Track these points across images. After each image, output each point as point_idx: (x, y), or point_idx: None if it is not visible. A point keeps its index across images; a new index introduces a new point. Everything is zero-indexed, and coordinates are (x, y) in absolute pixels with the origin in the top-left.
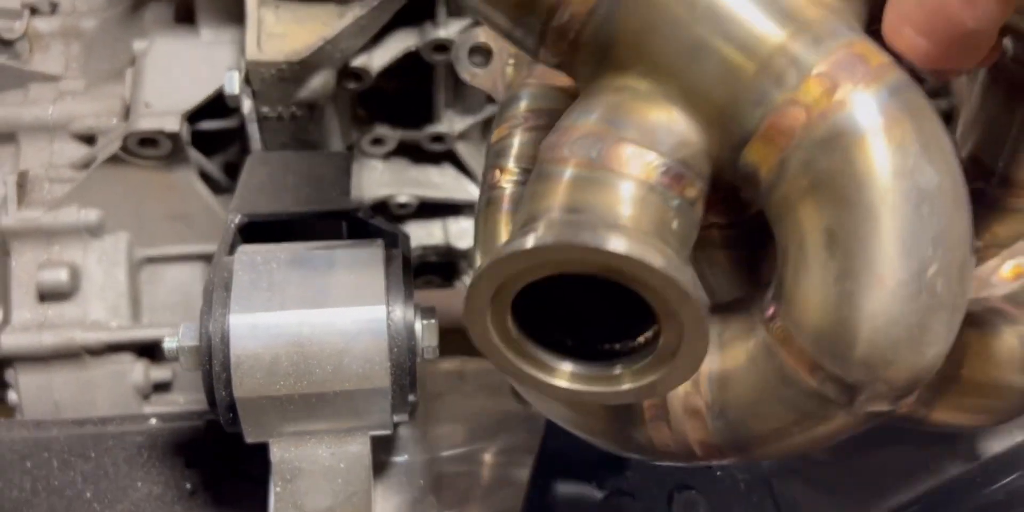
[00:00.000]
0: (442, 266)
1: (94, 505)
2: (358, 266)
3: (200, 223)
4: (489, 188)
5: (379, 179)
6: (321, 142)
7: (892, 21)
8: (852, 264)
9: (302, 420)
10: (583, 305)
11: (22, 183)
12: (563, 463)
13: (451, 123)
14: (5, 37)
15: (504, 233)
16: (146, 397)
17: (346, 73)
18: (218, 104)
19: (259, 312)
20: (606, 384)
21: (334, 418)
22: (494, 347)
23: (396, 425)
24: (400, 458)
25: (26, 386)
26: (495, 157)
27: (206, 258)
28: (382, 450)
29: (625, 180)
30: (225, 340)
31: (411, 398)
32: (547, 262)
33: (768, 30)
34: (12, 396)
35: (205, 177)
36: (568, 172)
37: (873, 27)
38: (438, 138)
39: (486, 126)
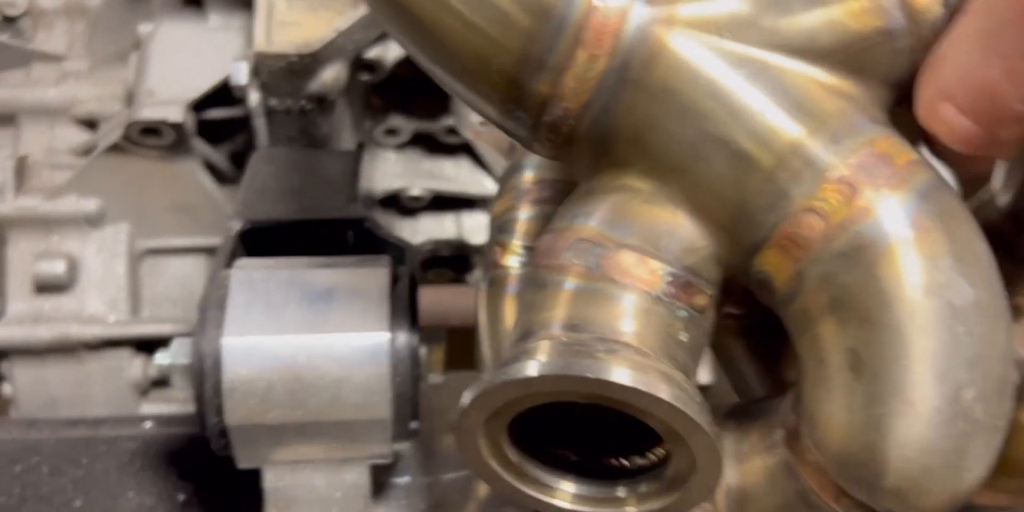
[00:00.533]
0: (455, 259)
1: None
2: (362, 288)
3: (204, 215)
4: (492, 266)
5: (392, 170)
6: (331, 136)
7: (929, 99)
8: (880, 388)
9: (297, 448)
10: (587, 417)
11: (21, 168)
12: None
13: (467, 116)
14: (7, 13)
15: (509, 318)
16: (144, 393)
17: (359, 65)
18: (225, 92)
19: (255, 335)
20: (610, 506)
21: (331, 447)
22: (491, 472)
23: (396, 453)
24: (401, 479)
25: (21, 380)
26: (498, 232)
27: (209, 251)
28: (383, 471)
29: (628, 292)
30: (217, 363)
31: (413, 426)
32: (544, 391)
33: (780, 127)
34: (7, 389)
35: (210, 167)
36: (566, 282)
37: (898, 108)
38: (453, 130)
39: None
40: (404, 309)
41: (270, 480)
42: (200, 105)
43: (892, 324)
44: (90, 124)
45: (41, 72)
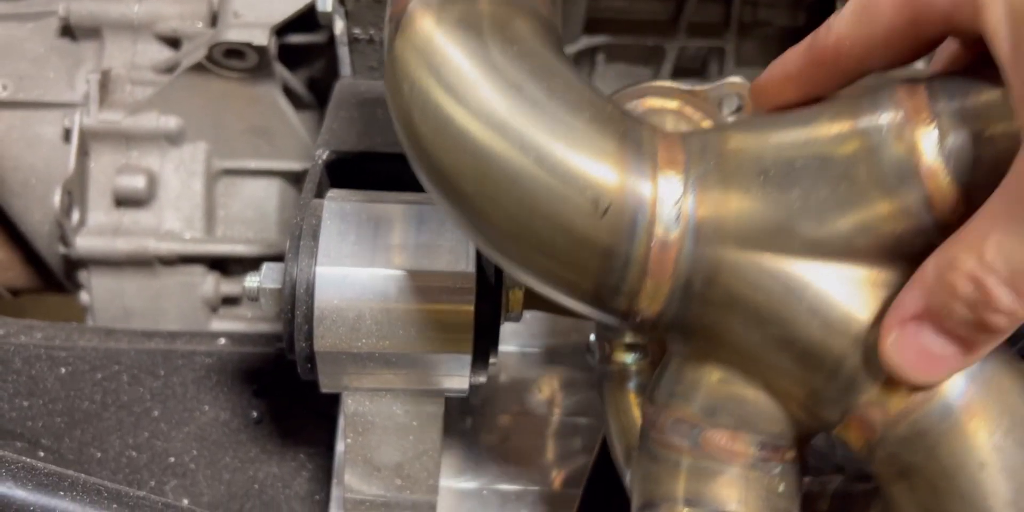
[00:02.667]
0: None
1: (161, 425)
2: (449, 225)
3: (279, 138)
4: (606, 360)
5: None
6: None
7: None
8: None
9: (379, 377)
10: None
11: (104, 82)
12: None
13: None
14: None
15: (633, 412)
16: (214, 310)
17: None
18: (308, 17)
19: (347, 266)
20: None
21: (412, 378)
22: None
23: (472, 387)
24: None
25: (98, 289)
26: (602, 328)
27: (284, 175)
28: (451, 405)
29: (727, 465)
30: (310, 291)
31: (492, 361)
32: None
33: (833, 333)
34: (85, 297)
35: (288, 92)
36: (674, 459)
37: None
38: None
39: None
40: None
41: (350, 405)
42: (282, 29)
43: (958, 492)
44: (172, 42)
45: None
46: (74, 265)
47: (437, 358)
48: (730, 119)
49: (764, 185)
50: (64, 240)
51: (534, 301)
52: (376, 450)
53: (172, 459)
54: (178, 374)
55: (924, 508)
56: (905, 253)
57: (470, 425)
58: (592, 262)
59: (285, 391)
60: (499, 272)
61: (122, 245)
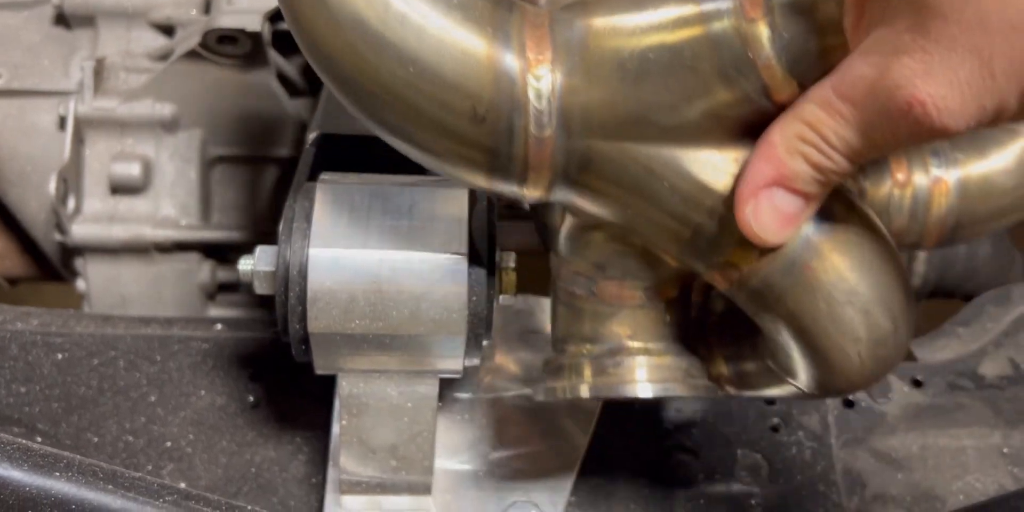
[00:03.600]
0: None
1: (158, 410)
2: (442, 208)
3: (275, 125)
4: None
5: None
6: None
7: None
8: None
9: (374, 358)
10: None
11: (99, 70)
12: (626, 416)
13: None
14: None
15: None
16: (211, 297)
17: None
18: None
19: (340, 248)
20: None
21: (406, 360)
22: None
23: (466, 368)
24: (464, 394)
25: (95, 276)
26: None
27: (279, 161)
28: (447, 385)
29: (619, 309)
30: (303, 273)
31: (485, 343)
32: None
33: (689, 209)
34: (81, 285)
35: (283, 79)
36: (577, 305)
37: None
38: None
39: None
40: (482, 231)
41: (344, 387)
42: (276, 16)
43: (807, 328)
44: (166, 29)
45: None
46: (70, 253)
47: (430, 340)
48: None
49: (623, 80)
50: (60, 228)
51: (527, 286)
52: (371, 432)
53: (169, 444)
54: (174, 359)
55: (780, 339)
56: (749, 133)
57: (467, 405)
58: (479, 159)
59: (281, 375)
60: (492, 253)
61: (118, 232)
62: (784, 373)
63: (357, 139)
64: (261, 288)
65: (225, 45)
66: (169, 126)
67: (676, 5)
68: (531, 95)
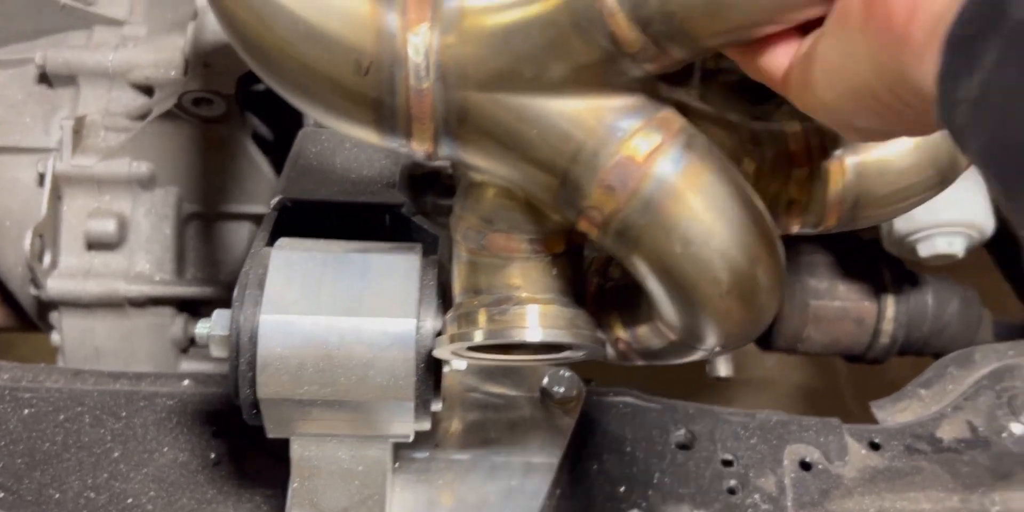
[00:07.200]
0: None
1: (120, 466)
2: (393, 274)
3: (249, 183)
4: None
5: None
6: None
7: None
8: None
9: (324, 422)
10: None
11: (79, 129)
12: (583, 476)
13: None
14: None
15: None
16: (184, 350)
17: None
18: None
19: (291, 314)
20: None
21: (356, 424)
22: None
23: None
24: (421, 454)
25: (69, 330)
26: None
27: (252, 217)
28: (403, 444)
29: (509, 260)
30: (253, 339)
31: (434, 407)
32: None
33: (553, 157)
34: (55, 337)
35: (258, 138)
36: (470, 258)
37: None
38: None
39: None
40: (432, 296)
41: (296, 450)
42: (252, 78)
43: (665, 270)
44: (146, 89)
45: (102, 36)
46: (46, 306)
47: (379, 405)
48: None
49: (493, 36)
50: (36, 282)
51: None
52: (322, 495)
53: (130, 500)
54: (140, 415)
55: (650, 286)
56: (608, 83)
57: (423, 465)
58: (368, 111)
59: (243, 432)
60: (442, 321)
61: (93, 287)
62: (665, 326)
63: (318, 205)
64: (216, 351)
65: (200, 106)
66: (146, 183)
67: None
68: (410, 50)
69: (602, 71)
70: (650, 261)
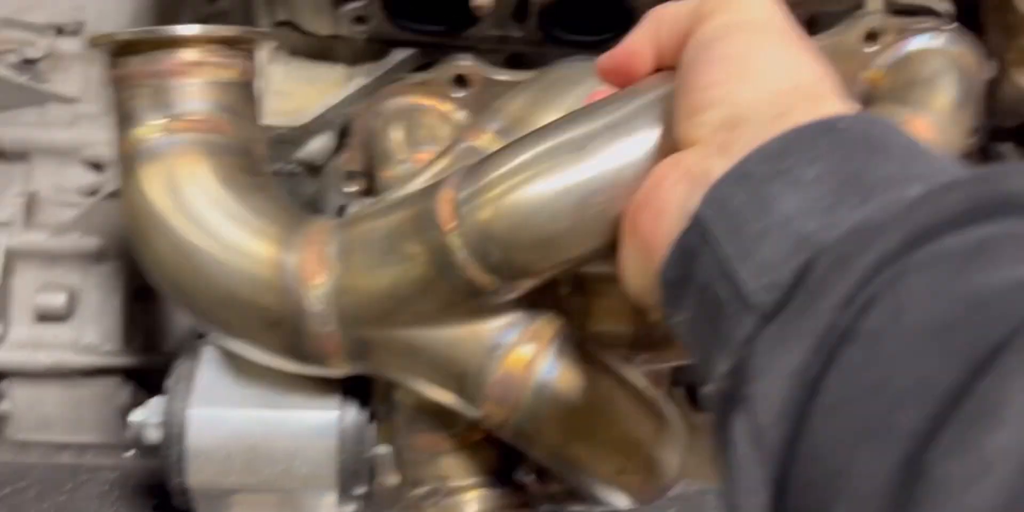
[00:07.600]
0: None
1: None
2: None
3: None
4: None
5: None
6: (319, 197)
7: None
8: None
9: (252, 508)
10: None
11: (30, 204)
12: None
13: None
14: (28, 55)
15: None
16: None
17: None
18: None
19: (218, 407)
20: None
21: (283, 509)
22: None
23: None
24: None
25: (18, 400)
26: None
27: None
28: None
29: (434, 455)
30: (182, 432)
31: (358, 492)
32: None
33: (450, 379)
34: (5, 406)
35: None
36: (404, 457)
37: None
38: None
39: None
40: (359, 383)
41: None
42: None
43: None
44: (97, 166)
45: (55, 114)
46: None
47: (304, 494)
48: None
49: (375, 283)
50: None
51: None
52: None
53: None
54: (83, 489)
55: (554, 469)
56: (480, 310)
57: None
58: (286, 353)
59: (183, 507)
60: (365, 409)
61: (42, 358)
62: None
63: None
64: (151, 438)
65: None
66: (96, 257)
67: (411, 227)
68: (309, 304)
69: (473, 304)
70: (549, 456)
